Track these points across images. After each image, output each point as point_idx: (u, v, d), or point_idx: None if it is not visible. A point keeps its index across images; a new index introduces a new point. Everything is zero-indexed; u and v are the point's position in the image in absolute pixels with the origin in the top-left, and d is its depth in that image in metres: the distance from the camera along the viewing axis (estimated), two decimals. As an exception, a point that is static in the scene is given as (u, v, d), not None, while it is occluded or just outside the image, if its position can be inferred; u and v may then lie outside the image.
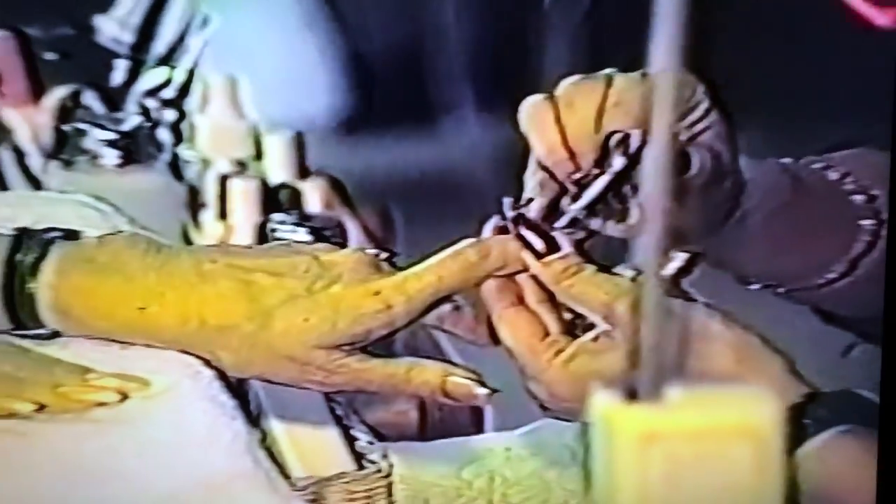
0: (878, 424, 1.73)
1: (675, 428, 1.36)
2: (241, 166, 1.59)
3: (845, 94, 1.70)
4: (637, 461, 1.37)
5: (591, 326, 1.57)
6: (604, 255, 1.62)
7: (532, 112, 1.57)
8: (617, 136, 1.57)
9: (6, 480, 1.55)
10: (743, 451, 1.36)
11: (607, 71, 1.56)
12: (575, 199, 1.55)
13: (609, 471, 1.39)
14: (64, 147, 1.55)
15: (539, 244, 1.53)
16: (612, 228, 1.60)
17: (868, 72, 1.65)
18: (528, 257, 1.53)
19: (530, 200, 1.57)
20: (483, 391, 1.52)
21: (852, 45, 1.72)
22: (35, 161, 1.55)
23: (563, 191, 1.57)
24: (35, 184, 1.56)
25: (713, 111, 1.65)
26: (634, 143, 1.56)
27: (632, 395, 1.35)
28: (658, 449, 1.35)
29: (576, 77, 1.55)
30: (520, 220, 1.54)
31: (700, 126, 1.62)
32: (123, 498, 1.53)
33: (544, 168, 1.56)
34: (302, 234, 1.67)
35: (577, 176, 1.55)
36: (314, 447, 1.59)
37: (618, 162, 1.52)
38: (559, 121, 1.55)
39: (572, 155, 1.55)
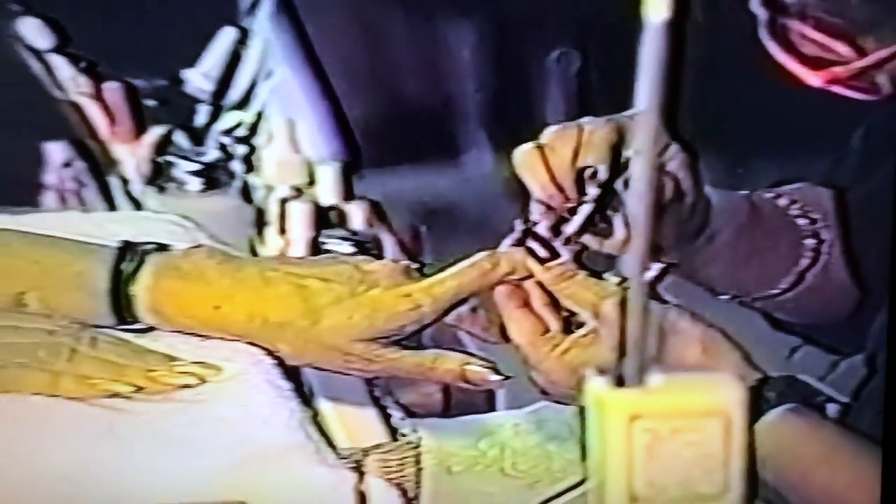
0: (883, 431, 1.70)
1: (655, 408, 1.45)
2: (298, 191, 1.61)
3: (792, 141, 1.69)
4: (624, 436, 1.45)
5: (582, 324, 1.56)
6: (595, 263, 1.62)
7: (523, 158, 1.59)
8: (589, 170, 1.57)
9: (110, 447, 1.54)
10: (712, 426, 1.45)
11: (580, 120, 1.56)
12: (567, 222, 1.55)
13: (601, 443, 1.48)
14: (158, 176, 1.56)
15: (543, 253, 1.53)
16: (600, 245, 1.61)
17: (807, 124, 1.68)
18: (532, 264, 1.53)
19: (535, 222, 1.57)
20: (496, 377, 1.55)
21: (801, 102, 1.71)
22: (136, 187, 1.56)
23: (560, 216, 1.56)
24: (136, 205, 1.58)
25: (674, 145, 1.65)
26: (602, 174, 1.57)
27: (619, 381, 1.46)
28: (641, 425, 1.44)
29: (555, 126, 1.56)
30: (528, 234, 1.55)
31: (665, 158, 1.62)
32: (200, 464, 1.51)
33: (541, 201, 1.56)
34: (346, 247, 1.69)
35: (568, 206, 1.56)
36: (356, 423, 1.60)
37: (592, 191, 1.53)
38: (546, 163, 1.56)
39: (560, 189, 1.55)
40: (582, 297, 1.64)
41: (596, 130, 1.58)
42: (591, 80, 1.66)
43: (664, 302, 1.65)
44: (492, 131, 1.68)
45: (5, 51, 1.55)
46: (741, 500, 1.49)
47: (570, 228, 1.63)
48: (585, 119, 1.60)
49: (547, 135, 1.62)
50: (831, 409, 1.70)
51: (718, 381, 1.47)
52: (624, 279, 1.56)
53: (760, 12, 1.68)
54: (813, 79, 1.67)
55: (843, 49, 1.67)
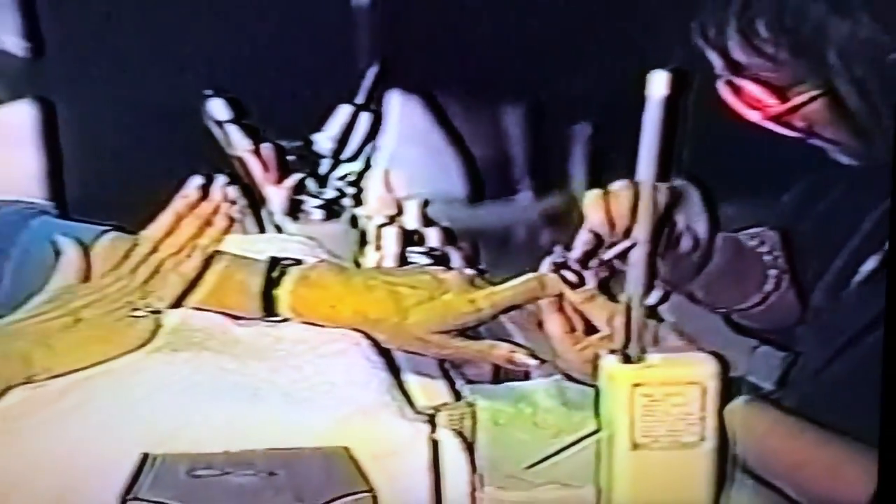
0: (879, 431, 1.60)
1: (651, 378, 1.48)
2: (390, 220, 1.57)
3: (761, 195, 1.64)
4: (628, 398, 1.48)
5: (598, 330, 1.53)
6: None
7: (594, 198, 1.53)
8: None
9: (244, 402, 1.48)
10: (693, 392, 1.48)
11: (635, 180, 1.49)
12: (609, 248, 1.51)
13: (610, 404, 1.51)
14: (294, 209, 1.51)
15: (573, 279, 1.50)
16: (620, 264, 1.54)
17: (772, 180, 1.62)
18: (566, 289, 1.49)
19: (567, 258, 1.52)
20: (534, 361, 1.52)
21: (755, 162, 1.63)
22: (279, 217, 1.49)
23: (598, 245, 1.52)
24: (278, 230, 1.55)
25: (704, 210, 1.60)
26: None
27: (626, 359, 1.51)
28: (640, 391, 1.48)
29: (622, 181, 1.51)
30: (562, 265, 1.50)
31: (694, 220, 1.58)
32: (314, 417, 1.46)
33: (593, 231, 1.51)
34: (426, 261, 1.63)
35: (613, 239, 1.51)
36: (430, 388, 1.53)
37: (638, 235, 1.45)
38: (608, 206, 1.51)
39: (612, 226, 1.50)
40: (599, 313, 1.59)
41: (649, 191, 1.49)
42: (602, 146, 1.58)
43: (661, 320, 1.59)
44: (535, 181, 1.59)
45: (195, 122, 1.51)
46: (714, 447, 1.50)
47: (608, 255, 1.56)
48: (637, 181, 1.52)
49: (615, 186, 1.55)
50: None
51: (697, 359, 1.51)
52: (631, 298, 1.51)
53: (724, 74, 1.61)
54: (752, 115, 1.61)
55: (773, 98, 1.59)
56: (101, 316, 1.53)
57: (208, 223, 1.62)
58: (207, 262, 1.62)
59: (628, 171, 1.53)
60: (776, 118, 1.64)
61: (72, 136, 1.54)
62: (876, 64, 1.59)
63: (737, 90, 1.66)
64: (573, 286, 1.59)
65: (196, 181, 1.57)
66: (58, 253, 1.56)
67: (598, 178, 1.65)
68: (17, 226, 1.53)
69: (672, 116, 1.51)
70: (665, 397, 1.50)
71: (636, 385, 1.50)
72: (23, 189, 1.54)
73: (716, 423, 1.51)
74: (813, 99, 1.64)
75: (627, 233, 1.59)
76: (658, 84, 1.49)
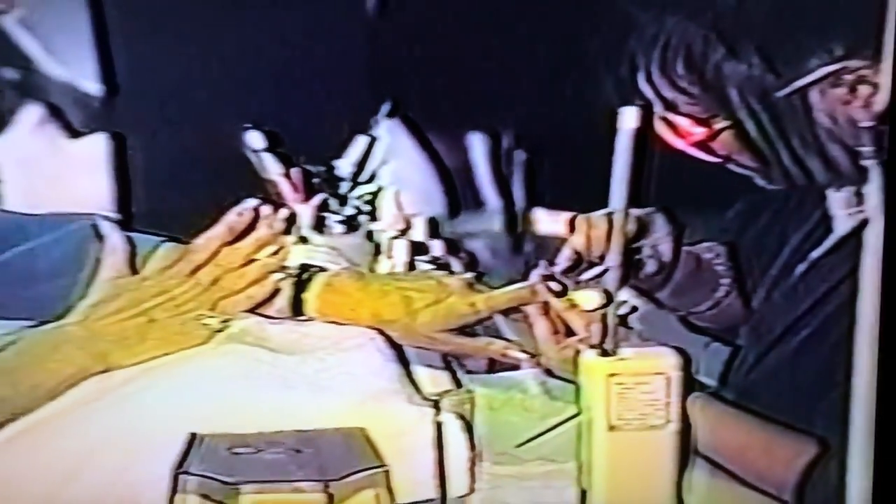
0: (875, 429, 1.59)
1: (624, 369, 1.45)
2: (401, 233, 1.49)
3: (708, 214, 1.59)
4: (604, 386, 1.44)
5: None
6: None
7: (580, 222, 1.51)
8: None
9: (273, 388, 1.42)
10: (659, 381, 1.44)
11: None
12: (589, 267, 1.48)
13: (589, 391, 1.46)
14: (319, 224, 1.44)
15: (558, 288, 1.45)
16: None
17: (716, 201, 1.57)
18: (551, 297, 1.44)
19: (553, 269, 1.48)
20: (523, 355, 1.44)
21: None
22: (306, 230, 1.43)
23: (578, 261, 1.49)
24: (305, 241, 1.44)
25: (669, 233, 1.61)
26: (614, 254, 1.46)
27: (603, 353, 1.47)
28: (615, 380, 1.44)
29: (602, 210, 1.48)
30: (549, 277, 1.45)
31: (659, 242, 1.54)
32: (332, 401, 1.40)
33: (575, 251, 1.48)
34: (430, 268, 1.54)
35: (591, 259, 1.48)
36: (435, 377, 1.45)
37: (611, 261, 1.42)
38: (590, 230, 1.48)
39: (589, 248, 1.48)
40: (578, 318, 1.51)
41: (621, 222, 1.47)
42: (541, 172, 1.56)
43: (629, 328, 1.54)
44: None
45: (236, 150, 1.46)
46: (678, 430, 1.46)
47: (587, 276, 1.54)
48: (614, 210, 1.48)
49: (595, 215, 1.52)
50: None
51: (663, 353, 1.47)
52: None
53: (658, 109, 1.55)
54: (680, 143, 1.55)
55: (697, 128, 1.54)
56: (171, 318, 1.45)
57: (266, 243, 1.53)
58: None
59: (567, 195, 1.54)
60: (699, 145, 1.58)
61: (138, 161, 1.48)
62: (767, 100, 1.54)
63: (668, 123, 1.59)
64: (557, 295, 1.52)
65: (249, 203, 1.50)
66: (100, 237, 1.50)
67: (537, 200, 1.61)
68: (88, 237, 1.47)
69: (641, 148, 1.49)
70: (636, 385, 1.46)
71: (611, 375, 1.46)
72: (96, 205, 1.47)
73: (679, 409, 1.48)
74: (724, 129, 1.59)
75: (602, 255, 1.55)
76: (628, 118, 1.46)
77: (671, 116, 1.59)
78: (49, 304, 1.43)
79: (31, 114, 1.48)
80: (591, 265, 1.58)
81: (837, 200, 1.60)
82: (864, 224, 1.56)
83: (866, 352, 1.55)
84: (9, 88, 1.47)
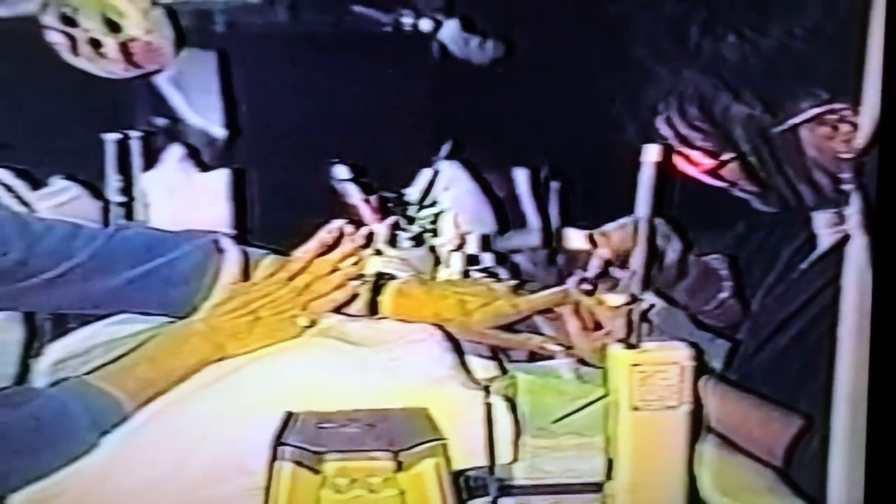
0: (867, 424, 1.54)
1: (646, 359, 1.35)
2: (458, 247, 1.40)
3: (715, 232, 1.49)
4: (628, 374, 1.34)
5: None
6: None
7: (600, 234, 1.43)
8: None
9: (349, 371, 1.33)
10: (675, 369, 1.34)
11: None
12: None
13: (615, 378, 1.35)
14: (392, 240, 1.37)
15: (589, 288, 1.35)
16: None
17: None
18: (584, 298, 1.34)
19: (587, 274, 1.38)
20: (558, 348, 1.34)
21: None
22: (381, 245, 1.37)
23: (607, 268, 1.40)
24: (380, 254, 1.38)
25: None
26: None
27: (629, 346, 1.37)
28: (638, 369, 1.34)
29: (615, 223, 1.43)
30: (582, 280, 1.35)
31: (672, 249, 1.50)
32: (400, 384, 1.31)
33: (603, 258, 1.40)
34: (482, 276, 1.43)
35: (617, 264, 1.39)
36: (484, 365, 1.35)
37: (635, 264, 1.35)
38: (610, 241, 1.41)
39: (616, 255, 1.40)
40: (606, 315, 1.41)
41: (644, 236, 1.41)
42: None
43: (651, 323, 1.46)
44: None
45: (324, 179, 1.40)
46: (690, 410, 1.36)
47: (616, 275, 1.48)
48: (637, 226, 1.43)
49: (610, 228, 1.48)
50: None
51: (678, 346, 1.37)
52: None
53: (675, 144, 1.47)
54: (693, 171, 1.47)
55: (707, 159, 1.47)
56: (273, 316, 1.37)
57: (349, 255, 1.44)
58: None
59: (594, 217, 1.48)
60: (709, 173, 1.51)
61: (252, 190, 1.42)
62: (765, 136, 1.49)
63: (684, 155, 1.52)
64: (588, 294, 1.43)
65: (338, 223, 1.41)
66: (220, 250, 1.41)
67: (569, 221, 1.53)
68: (211, 250, 1.39)
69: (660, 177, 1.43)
70: (655, 373, 1.37)
71: (635, 364, 1.37)
72: (218, 225, 1.41)
73: (691, 392, 1.39)
74: (730, 160, 1.52)
75: (625, 261, 1.48)
76: (650, 153, 1.38)
77: (686, 150, 1.52)
78: (181, 305, 1.37)
79: (174, 153, 1.45)
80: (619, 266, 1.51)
81: (821, 220, 1.54)
82: (844, 240, 1.52)
83: (846, 346, 1.51)
84: (159, 133, 1.43)
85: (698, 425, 1.43)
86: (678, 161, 1.53)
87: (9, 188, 1.40)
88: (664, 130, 1.52)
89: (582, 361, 1.45)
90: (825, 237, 1.53)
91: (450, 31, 1.45)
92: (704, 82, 1.52)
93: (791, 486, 1.47)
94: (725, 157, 1.52)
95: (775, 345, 1.56)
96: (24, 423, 1.24)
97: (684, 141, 1.53)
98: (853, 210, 1.50)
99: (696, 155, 1.53)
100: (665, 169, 1.45)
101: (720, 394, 1.48)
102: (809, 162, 1.52)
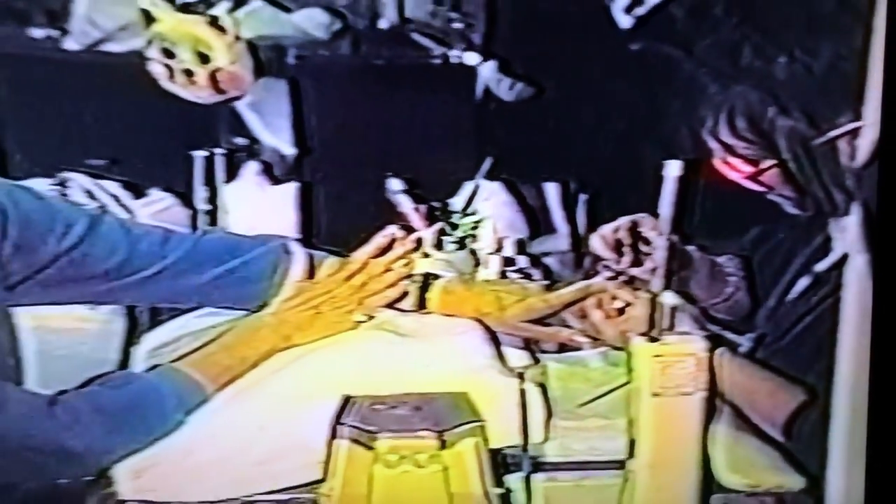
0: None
1: (666, 351, 1.27)
2: (496, 251, 1.32)
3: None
4: (650, 363, 1.26)
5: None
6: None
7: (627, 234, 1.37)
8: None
9: (397, 359, 1.28)
10: (690, 360, 1.26)
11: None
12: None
13: (638, 367, 1.27)
14: (438, 244, 1.31)
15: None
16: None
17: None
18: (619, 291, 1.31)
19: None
20: (585, 339, 1.27)
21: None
22: (429, 248, 1.31)
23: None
24: (427, 256, 1.32)
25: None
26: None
27: (651, 339, 1.29)
28: (659, 359, 1.26)
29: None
30: (611, 277, 1.30)
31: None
32: (443, 371, 1.25)
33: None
34: (517, 276, 1.35)
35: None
36: (519, 355, 1.27)
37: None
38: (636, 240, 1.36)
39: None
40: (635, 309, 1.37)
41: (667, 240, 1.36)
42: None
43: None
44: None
45: (379, 191, 1.36)
46: (704, 396, 1.27)
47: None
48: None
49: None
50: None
51: (694, 339, 1.29)
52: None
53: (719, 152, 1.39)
54: (735, 176, 1.37)
55: (747, 166, 1.37)
56: (333, 311, 1.31)
57: (400, 257, 1.37)
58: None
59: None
60: (750, 178, 1.42)
61: (317, 200, 1.37)
62: (807, 146, 1.39)
63: (727, 163, 1.43)
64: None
65: (391, 229, 1.35)
66: (288, 253, 1.36)
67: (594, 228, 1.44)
68: (281, 252, 1.34)
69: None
70: (674, 363, 1.29)
71: (656, 356, 1.29)
72: (287, 230, 1.35)
73: (706, 380, 1.30)
74: (770, 167, 1.43)
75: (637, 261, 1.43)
76: (673, 168, 1.34)
77: (729, 158, 1.43)
78: (255, 300, 1.32)
79: (250, 168, 1.39)
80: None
81: (838, 226, 1.45)
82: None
83: (848, 335, 1.39)
84: (239, 151, 1.38)
85: (712, 409, 1.34)
86: (720, 167, 1.43)
87: (115, 198, 1.37)
88: (711, 142, 1.42)
89: (612, 347, 1.38)
90: (840, 242, 1.44)
91: (487, 70, 1.39)
92: (754, 97, 1.41)
93: (794, 464, 1.37)
94: (764, 164, 1.42)
95: (791, 333, 1.45)
96: (124, 402, 1.22)
97: (728, 149, 1.43)
98: (852, 220, 1.42)
99: (737, 162, 1.43)
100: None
101: (735, 364, 1.37)
102: (843, 170, 1.43)
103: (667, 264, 1.41)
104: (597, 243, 1.43)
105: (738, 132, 1.47)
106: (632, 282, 1.44)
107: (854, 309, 1.42)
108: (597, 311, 1.40)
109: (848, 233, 1.44)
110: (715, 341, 1.37)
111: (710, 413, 1.34)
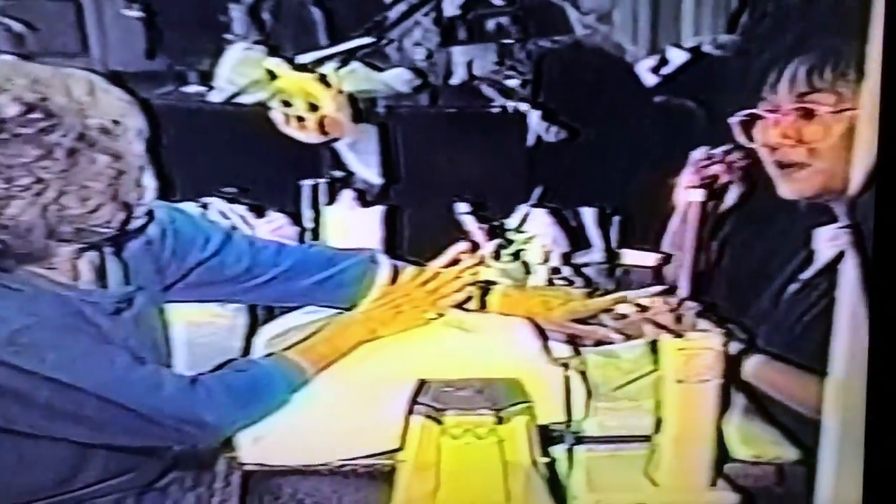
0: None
1: (688, 346, 1.13)
2: (543, 262, 1.22)
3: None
4: (674, 355, 1.13)
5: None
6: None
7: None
8: None
9: (452, 349, 1.19)
10: (709, 353, 1.12)
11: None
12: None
13: (664, 358, 1.14)
14: (496, 256, 1.20)
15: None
16: None
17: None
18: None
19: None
20: (618, 336, 1.14)
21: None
22: (489, 260, 1.21)
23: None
24: (488, 266, 1.22)
25: None
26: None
27: (676, 336, 1.16)
28: (682, 353, 1.13)
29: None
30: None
31: None
32: (499, 358, 1.14)
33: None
34: (562, 283, 1.25)
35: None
36: (564, 348, 1.14)
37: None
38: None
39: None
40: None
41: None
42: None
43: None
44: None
45: (449, 212, 1.27)
46: (719, 384, 1.13)
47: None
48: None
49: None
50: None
51: (712, 335, 1.14)
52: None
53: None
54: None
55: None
56: (411, 310, 1.21)
57: (468, 267, 1.26)
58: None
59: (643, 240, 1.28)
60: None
61: (401, 221, 1.28)
62: None
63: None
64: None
65: (459, 245, 1.24)
66: (375, 262, 1.26)
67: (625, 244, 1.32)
68: (369, 262, 1.25)
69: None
70: (695, 355, 1.15)
71: (680, 349, 1.16)
72: (375, 244, 1.26)
73: (721, 370, 1.15)
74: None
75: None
76: (695, 195, 1.24)
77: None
78: (348, 301, 1.23)
79: (346, 194, 1.31)
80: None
81: (823, 235, 1.27)
82: (842, 253, 1.24)
83: (842, 333, 1.21)
84: (337, 181, 1.30)
85: (726, 394, 1.21)
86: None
87: (242, 218, 1.31)
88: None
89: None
90: (824, 251, 1.27)
91: (535, 117, 1.30)
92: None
93: (791, 439, 1.22)
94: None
95: (792, 331, 1.28)
96: (246, 384, 1.14)
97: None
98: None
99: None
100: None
101: (752, 360, 1.23)
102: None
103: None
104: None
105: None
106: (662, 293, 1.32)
107: (849, 299, 1.24)
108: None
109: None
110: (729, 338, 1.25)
111: (724, 397, 1.21)
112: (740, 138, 1.28)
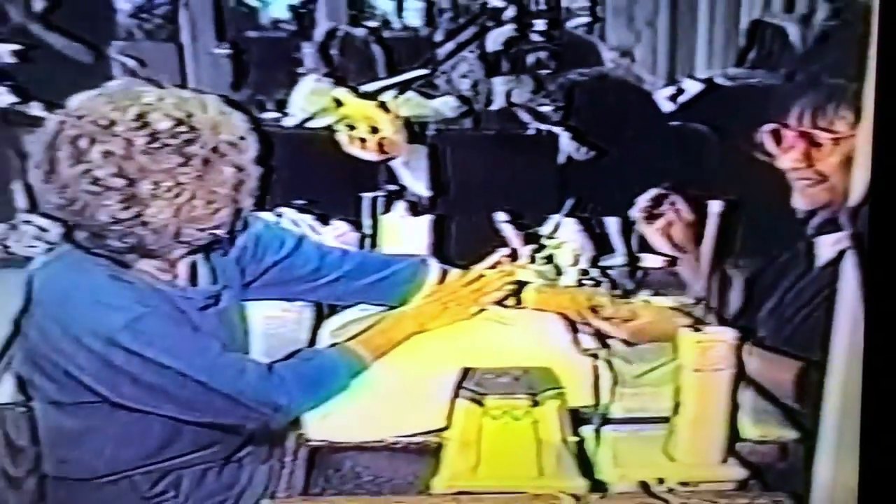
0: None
1: (705, 338, 1.14)
2: (573, 265, 1.22)
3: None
4: (692, 347, 1.13)
5: None
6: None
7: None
8: None
9: (489, 339, 1.21)
10: (724, 345, 1.13)
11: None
12: None
13: (683, 350, 1.15)
14: (532, 259, 1.24)
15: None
16: None
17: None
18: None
19: None
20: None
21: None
22: (524, 262, 1.23)
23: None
24: (523, 268, 1.23)
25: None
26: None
27: (696, 329, 1.16)
28: (700, 344, 1.14)
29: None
30: None
31: None
32: (535, 352, 1.16)
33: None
34: (589, 284, 1.25)
35: None
36: (590, 342, 1.17)
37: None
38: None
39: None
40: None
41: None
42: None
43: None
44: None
45: (493, 224, 1.28)
46: (732, 373, 1.13)
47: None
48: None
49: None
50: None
51: (726, 330, 1.13)
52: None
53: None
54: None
55: None
56: (457, 306, 1.23)
57: (507, 269, 1.28)
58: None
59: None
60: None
61: (447, 229, 1.31)
62: None
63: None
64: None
65: (500, 251, 1.26)
66: (425, 265, 1.29)
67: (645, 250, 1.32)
68: (420, 266, 1.28)
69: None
70: (710, 347, 1.16)
71: (697, 342, 1.16)
72: (424, 249, 1.29)
73: (733, 360, 1.15)
74: None
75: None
76: (715, 206, 1.23)
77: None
78: (401, 299, 1.25)
79: (400, 205, 1.34)
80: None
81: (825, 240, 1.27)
82: (842, 254, 1.22)
83: (841, 327, 1.19)
84: (393, 194, 1.33)
85: (738, 382, 1.21)
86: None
87: (311, 226, 1.35)
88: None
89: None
90: (825, 252, 1.25)
91: (565, 138, 1.32)
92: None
93: (792, 420, 1.22)
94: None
95: (792, 326, 1.27)
96: (313, 370, 1.18)
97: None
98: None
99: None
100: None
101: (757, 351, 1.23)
102: None
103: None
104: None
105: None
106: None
107: (849, 296, 1.23)
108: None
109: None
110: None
111: (736, 384, 1.21)
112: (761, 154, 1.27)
